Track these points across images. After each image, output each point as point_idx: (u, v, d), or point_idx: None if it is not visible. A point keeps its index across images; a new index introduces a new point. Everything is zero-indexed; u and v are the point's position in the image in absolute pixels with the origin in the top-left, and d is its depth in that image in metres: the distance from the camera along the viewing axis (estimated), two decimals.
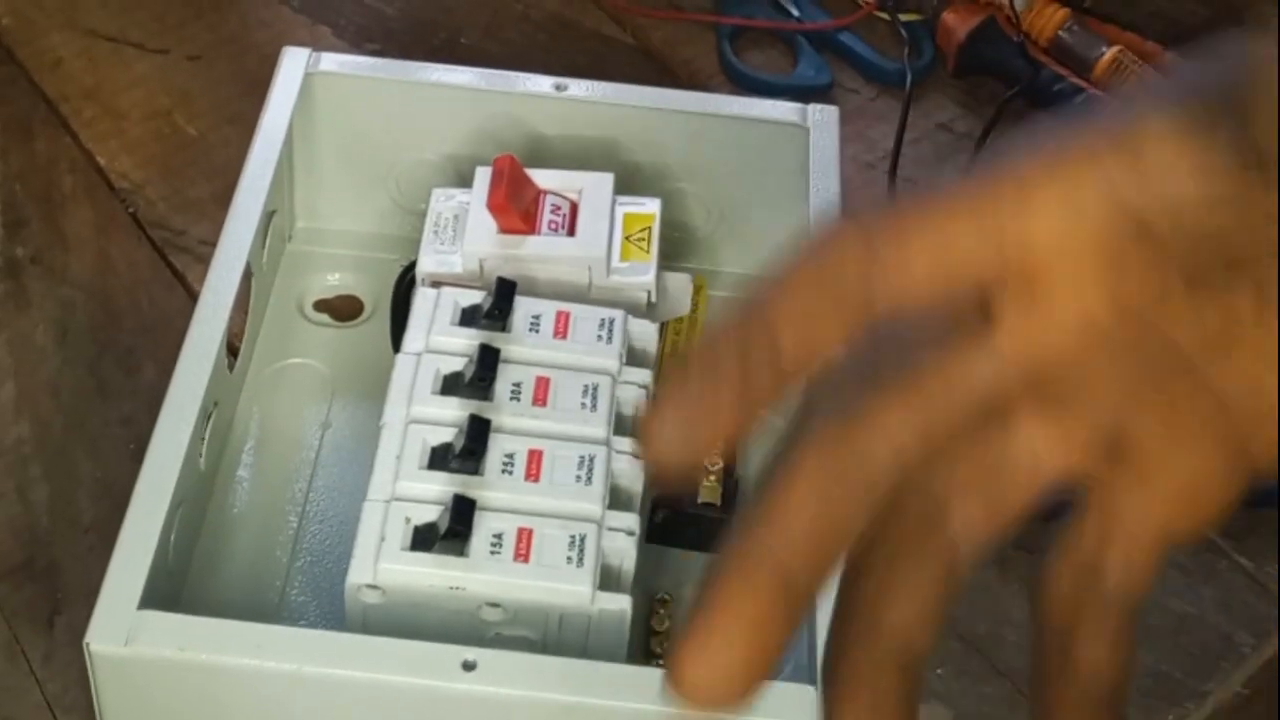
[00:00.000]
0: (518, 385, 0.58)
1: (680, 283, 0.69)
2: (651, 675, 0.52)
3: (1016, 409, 0.33)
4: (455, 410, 0.57)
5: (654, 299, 0.63)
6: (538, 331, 0.60)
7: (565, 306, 0.60)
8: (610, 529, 0.55)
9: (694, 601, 0.32)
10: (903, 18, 0.84)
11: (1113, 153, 0.31)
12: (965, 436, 0.33)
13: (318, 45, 0.69)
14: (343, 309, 0.69)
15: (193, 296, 0.69)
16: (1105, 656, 0.34)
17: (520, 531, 0.54)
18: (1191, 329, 0.32)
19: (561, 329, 0.60)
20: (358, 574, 0.53)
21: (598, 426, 0.57)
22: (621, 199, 0.65)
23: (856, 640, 0.34)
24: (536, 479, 0.55)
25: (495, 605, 0.53)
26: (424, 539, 0.54)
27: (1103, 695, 0.34)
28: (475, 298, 0.61)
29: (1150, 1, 0.87)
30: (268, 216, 0.64)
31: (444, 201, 0.65)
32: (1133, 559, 0.35)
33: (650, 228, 0.64)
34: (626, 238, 0.63)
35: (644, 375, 0.60)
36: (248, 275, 0.61)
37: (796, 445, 0.32)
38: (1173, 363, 0.32)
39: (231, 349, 0.62)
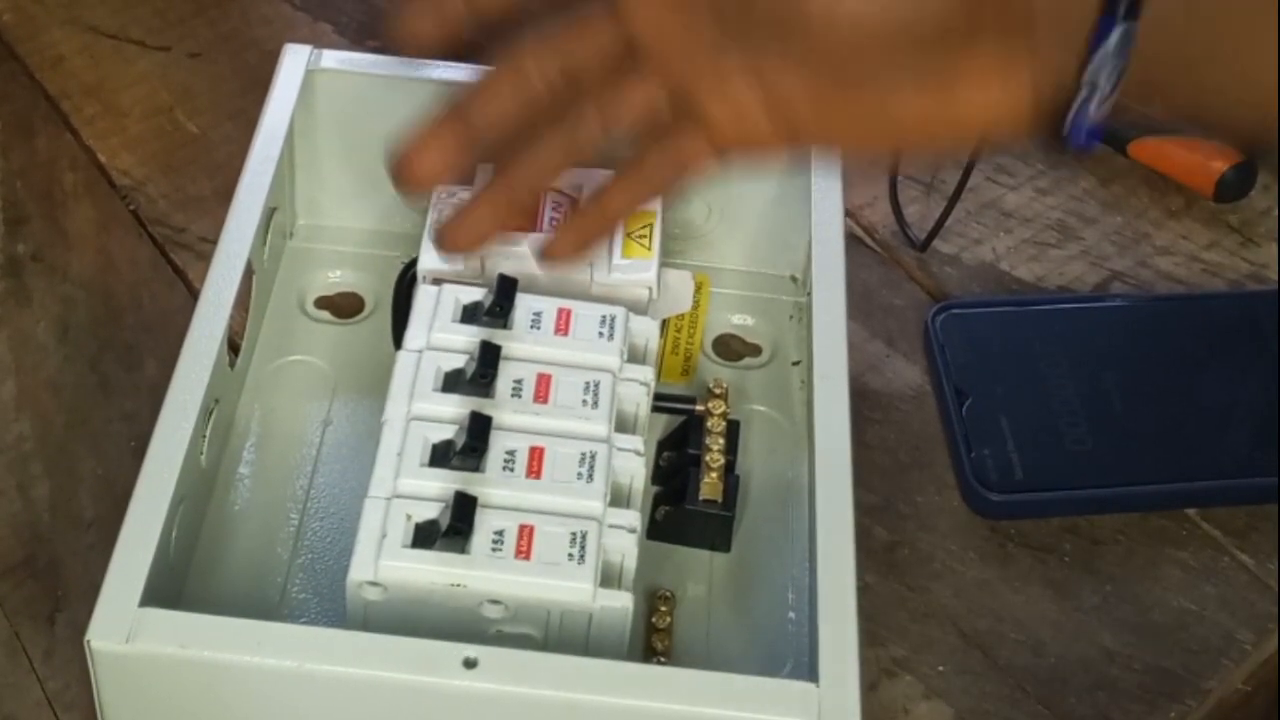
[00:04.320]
0: (519, 382, 0.58)
1: (681, 279, 0.69)
2: (653, 673, 0.52)
3: (628, 67, 0.55)
4: (456, 407, 0.57)
5: (655, 296, 0.63)
6: (539, 328, 0.60)
7: (566, 303, 0.60)
8: (611, 526, 0.55)
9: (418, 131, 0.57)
10: None
11: None
12: (599, 77, 0.55)
13: (319, 42, 0.69)
14: (344, 306, 0.69)
15: (194, 294, 0.69)
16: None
17: (521, 529, 0.54)
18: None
19: (563, 326, 0.60)
20: (359, 571, 0.53)
21: (599, 424, 0.57)
22: None
23: (498, 171, 0.59)
24: (538, 476, 0.55)
25: (496, 602, 0.53)
26: (425, 536, 0.54)
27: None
28: (476, 295, 0.61)
29: None
30: (269, 213, 0.64)
31: (445, 199, 0.65)
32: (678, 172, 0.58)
33: (652, 225, 0.64)
34: (628, 235, 0.63)
35: (645, 372, 0.60)
36: (249, 272, 0.61)
37: (501, 59, 0.56)
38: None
39: (233, 346, 0.62)
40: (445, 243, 0.60)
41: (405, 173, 0.57)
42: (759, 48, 0.53)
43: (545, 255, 0.60)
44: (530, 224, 0.62)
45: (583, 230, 0.61)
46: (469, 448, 0.55)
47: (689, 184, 0.59)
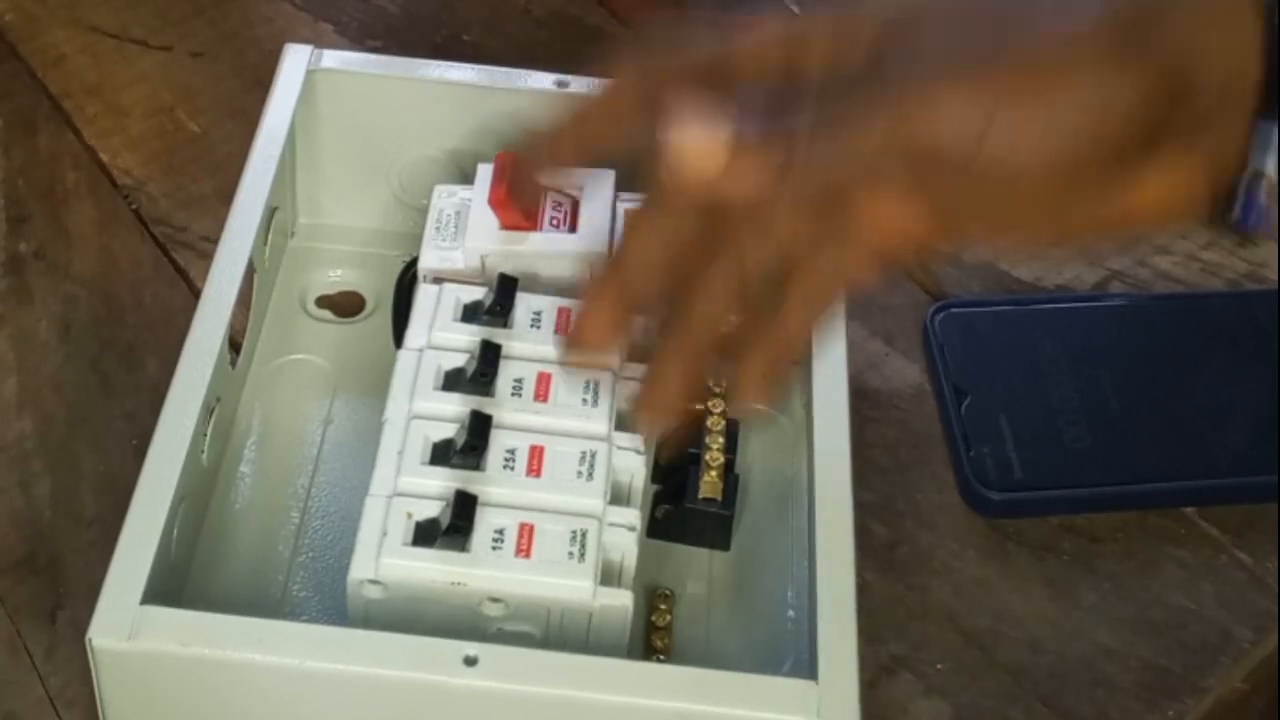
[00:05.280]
0: (519, 381, 0.58)
1: None
2: (653, 670, 0.52)
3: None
4: (457, 406, 0.57)
5: None
6: (539, 327, 0.60)
7: (567, 302, 0.61)
8: (611, 524, 0.55)
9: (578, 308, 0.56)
10: None
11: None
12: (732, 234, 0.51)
13: (320, 42, 0.69)
14: (345, 305, 0.69)
15: (195, 292, 0.70)
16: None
17: (522, 527, 0.54)
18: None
19: (563, 325, 0.60)
20: (359, 569, 0.53)
21: (599, 422, 0.57)
22: (623, 195, 0.65)
23: (668, 327, 0.54)
24: (538, 475, 0.55)
25: (497, 600, 0.53)
26: (426, 534, 0.54)
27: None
28: (477, 294, 0.61)
29: None
30: (270, 213, 0.64)
31: (446, 198, 0.65)
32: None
33: None
34: None
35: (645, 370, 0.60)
36: (250, 271, 0.62)
37: (636, 208, 0.55)
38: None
39: (234, 345, 0.62)
40: (648, 424, 0.57)
41: (580, 348, 0.56)
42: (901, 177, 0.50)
43: (742, 397, 0.54)
44: (531, 224, 0.63)
45: (773, 362, 0.53)
46: (469, 446, 0.56)
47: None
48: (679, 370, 0.54)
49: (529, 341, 0.59)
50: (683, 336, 0.53)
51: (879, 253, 0.51)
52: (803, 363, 0.61)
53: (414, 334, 0.60)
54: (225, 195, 0.64)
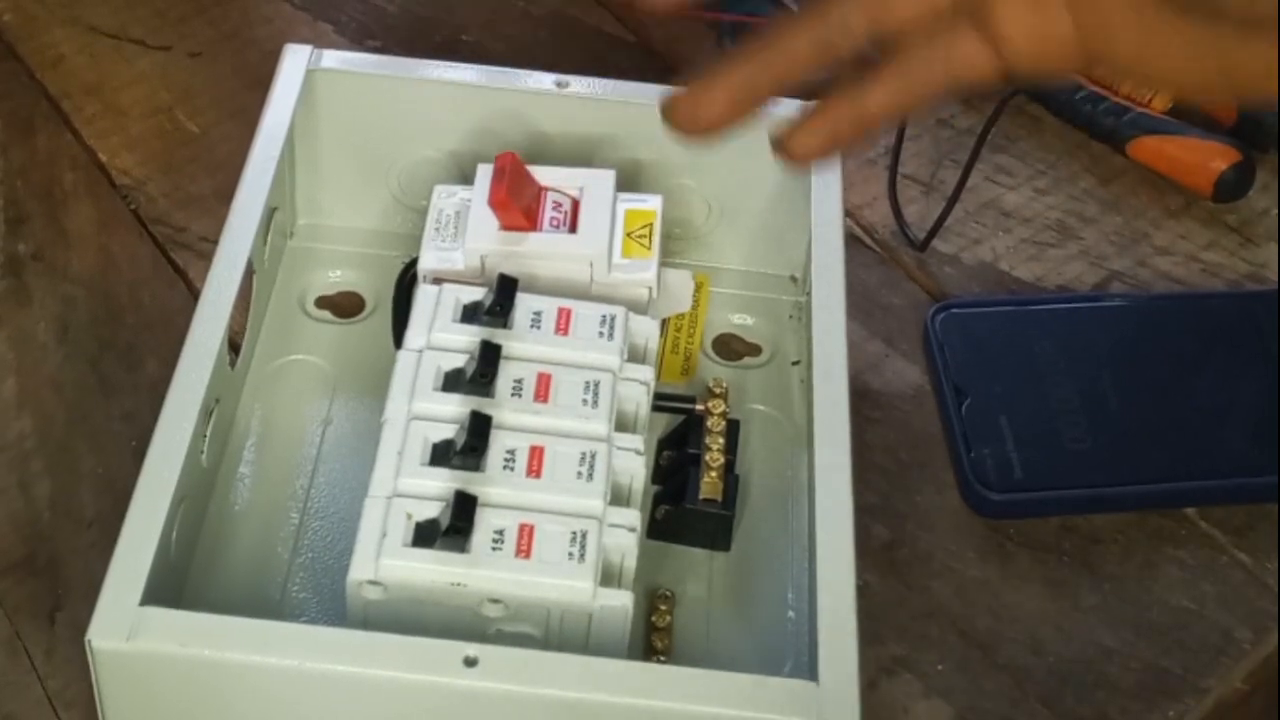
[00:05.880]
0: (519, 381, 0.58)
1: (681, 279, 0.69)
2: (653, 671, 0.52)
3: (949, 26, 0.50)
4: (457, 406, 0.57)
5: (655, 295, 0.63)
6: (539, 328, 0.60)
7: (566, 303, 0.61)
8: (611, 525, 0.55)
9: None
10: None
11: None
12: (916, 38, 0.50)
13: (319, 42, 0.69)
14: (344, 305, 0.69)
15: (194, 293, 0.70)
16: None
17: (522, 528, 0.54)
18: None
19: (563, 325, 0.60)
20: (359, 570, 0.53)
21: (599, 423, 0.57)
22: (623, 196, 0.65)
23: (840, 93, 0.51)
24: (538, 475, 0.55)
25: (496, 601, 0.53)
26: (425, 535, 0.54)
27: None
28: (477, 294, 0.61)
29: None
30: (269, 213, 0.64)
31: (445, 198, 0.65)
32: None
33: (651, 224, 0.64)
34: (628, 234, 0.63)
35: (645, 372, 0.60)
36: (249, 272, 0.62)
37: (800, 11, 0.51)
38: None
39: (233, 345, 0.62)
40: (790, 149, 0.52)
41: (683, 115, 0.51)
42: None
43: (785, 151, 0.52)
44: (531, 224, 0.63)
45: (834, 129, 0.51)
46: (469, 447, 0.55)
47: (952, 97, 0.55)
48: (734, 76, 0.51)
49: (529, 342, 0.59)
50: (849, 100, 0.51)
51: (1002, 63, 0.49)
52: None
53: (414, 334, 0.60)
54: (224, 195, 0.63)
